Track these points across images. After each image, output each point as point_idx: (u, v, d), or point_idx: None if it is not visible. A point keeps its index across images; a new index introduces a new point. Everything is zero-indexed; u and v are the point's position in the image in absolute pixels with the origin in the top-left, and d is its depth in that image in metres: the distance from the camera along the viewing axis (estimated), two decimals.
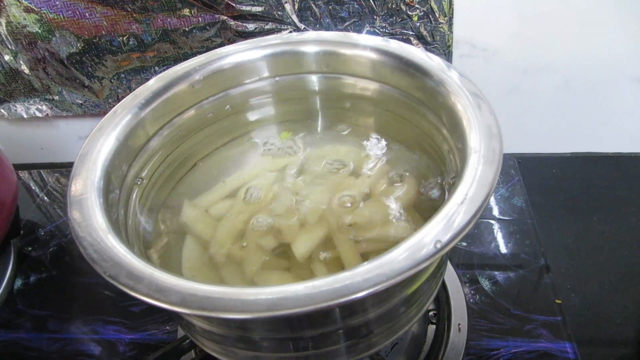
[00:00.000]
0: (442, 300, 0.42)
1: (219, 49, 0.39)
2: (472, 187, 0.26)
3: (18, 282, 0.50)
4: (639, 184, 0.62)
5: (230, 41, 0.62)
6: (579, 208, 0.60)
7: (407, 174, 0.36)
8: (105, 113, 0.68)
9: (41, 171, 0.68)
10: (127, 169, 0.33)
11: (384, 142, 0.38)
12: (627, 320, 0.47)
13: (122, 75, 0.66)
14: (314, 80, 0.40)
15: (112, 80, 0.67)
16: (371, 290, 0.22)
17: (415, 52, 0.35)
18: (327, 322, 0.27)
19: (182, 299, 0.23)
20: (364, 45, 0.37)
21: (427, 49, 0.59)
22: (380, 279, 0.22)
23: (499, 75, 0.61)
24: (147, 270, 0.25)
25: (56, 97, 0.69)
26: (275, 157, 0.39)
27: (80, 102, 0.69)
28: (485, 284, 0.45)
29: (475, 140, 0.29)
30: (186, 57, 0.63)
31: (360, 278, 0.23)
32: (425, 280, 0.31)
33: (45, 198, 0.64)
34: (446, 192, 0.32)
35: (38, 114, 0.71)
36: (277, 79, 0.40)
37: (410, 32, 0.59)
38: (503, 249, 0.49)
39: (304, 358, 0.30)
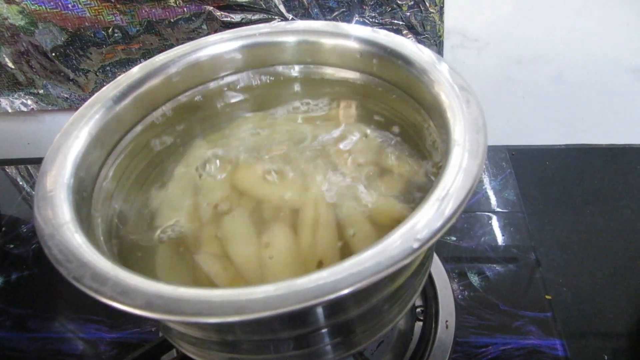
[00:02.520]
0: (430, 296, 0.41)
1: (196, 40, 0.38)
2: (455, 182, 0.25)
3: None
4: (633, 176, 0.61)
5: (217, 32, 0.61)
6: (572, 201, 0.59)
7: (392, 161, 0.35)
8: None
9: (29, 166, 0.66)
10: (100, 164, 0.32)
11: (369, 131, 0.36)
12: (618, 315, 0.46)
13: (108, 68, 0.65)
14: (295, 71, 0.39)
15: (98, 73, 0.65)
16: (345, 291, 0.21)
17: (404, 43, 0.34)
18: (304, 323, 0.27)
19: (147, 301, 0.22)
20: (349, 35, 0.36)
21: (417, 40, 0.58)
22: (355, 279, 0.21)
23: (491, 66, 0.60)
24: (113, 271, 0.23)
25: (41, 91, 0.68)
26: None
27: (65, 95, 0.68)
28: (474, 279, 0.44)
29: (459, 133, 0.28)
30: (172, 48, 0.62)
31: (333, 278, 0.22)
32: (408, 277, 0.30)
33: (32, 192, 0.63)
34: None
35: (23, 108, 0.69)
36: (254, 70, 0.39)
37: (401, 22, 0.57)
38: (493, 243, 0.48)
39: (284, 359, 0.29)
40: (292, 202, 0.33)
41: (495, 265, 0.45)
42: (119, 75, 0.63)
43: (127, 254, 0.32)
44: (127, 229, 0.33)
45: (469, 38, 0.58)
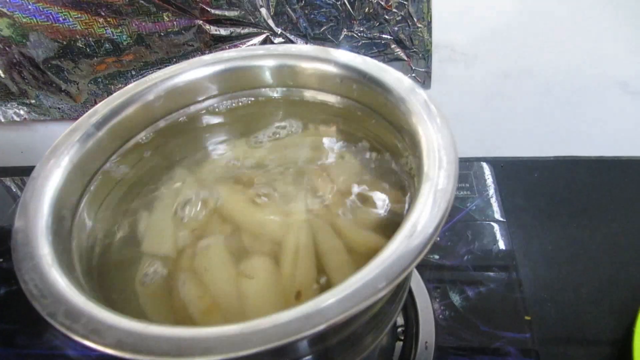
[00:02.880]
0: (411, 316, 0.41)
1: (175, 65, 0.38)
2: (423, 218, 0.25)
3: None
4: (620, 189, 0.61)
5: (207, 45, 0.61)
6: (559, 214, 0.59)
7: (372, 189, 0.35)
8: None
9: (23, 178, 0.67)
10: (80, 194, 0.33)
11: (350, 156, 0.37)
12: (601, 331, 0.47)
13: (99, 80, 0.65)
14: (273, 94, 0.40)
15: (90, 85, 0.66)
16: (307, 333, 0.22)
17: (384, 70, 0.34)
18: (279, 355, 0.27)
19: (117, 340, 0.22)
20: (330, 59, 0.37)
21: (406, 54, 0.59)
22: (316, 322, 0.22)
23: (480, 80, 0.60)
24: (86, 306, 0.24)
25: (33, 101, 0.68)
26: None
27: (58, 106, 0.68)
28: (456, 298, 0.44)
29: (431, 167, 0.28)
30: (163, 61, 0.63)
31: (296, 319, 0.22)
32: (383, 306, 0.30)
33: None
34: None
35: (16, 118, 0.70)
36: (231, 95, 0.40)
37: (389, 37, 0.58)
38: (476, 262, 0.48)
39: None
40: (273, 230, 0.33)
41: (476, 285, 0.45)
42: (111, 87, 0.65)
43: (109, 280, 0.32)
44: (108, 258, 0.33)
45: (457, 52, 0.59)
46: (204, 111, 0.39)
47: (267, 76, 0.38)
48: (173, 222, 0.35)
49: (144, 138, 0.37)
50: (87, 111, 0.67)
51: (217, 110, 0.39)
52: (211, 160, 0.39)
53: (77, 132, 0.34)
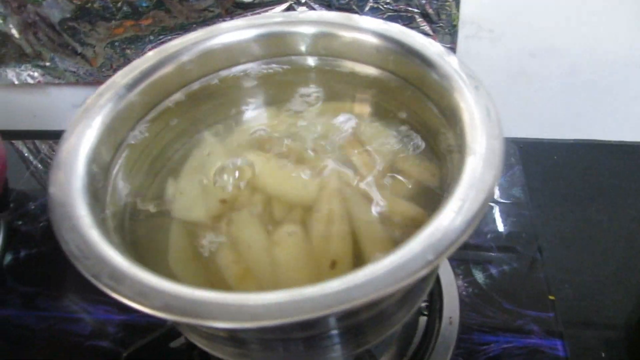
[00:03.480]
0: (435, 292, 0.41)
1: (210, 27, 0.37)
2: (470, 193, 0.25)
3: (8, 258, 0.49)
4: (639, 174, 0.61)
5: (228, 12, 0.60)
6: (577, 197, 0.59)
7: (406, 161, 0.35)
8: (99, 82, 0.67)
9: (35, 141, 0.66)
10: (112, 155, 0.32)
11: (385, 127, 0.36)
12: (618, 314, 0.47)
13: (117, 44, 0.64)
14: (310, 62, 0.39)
15: (106, 49, 0.65)
16: (359, 302, 0.21)
17: (422, 42, 0.33)
18: (314, 327, 0.27)
19: (165, 304, 0.22)
20: (364, 28, 0.36)
21: (432, 28, 0.57)
22: (368, 290, 0.22)
23: (505, 58, 0.59)
24: (130, 270, 0.24)
25: (48, 64, 0.67)
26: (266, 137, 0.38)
27: (73, 69, 0.67)
28: (479, 276, 0.44)
29: (475, 140, 0.27)
30: (182, 27, 0.62)
31: (347, 287, 0.22)
32: (418, 282, 0.30)
33: (39, 166, 0.63)
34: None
35: (30, 81, 0.69)
36: (270, 60, 0.39)
37: (415, 10, 0.56)
38: (499, 241, 0.48)
39: (293, 357, 0.30)
40: (305, 199, 0.33)
41: (500, 264, 0.45)
42: (128, 51, 0.64)
43: (140, 242, 0.32)
44: (139, 220, 0.33)
45: (484, 29, 0.57)
46: (237, 76, 0.38)
47: (304, 43, 0.37)
48: (204, 188, 0.35)
49: (176, 100, 0.36)
50: (103, 75, 0.66)
51: (250, 75, 0.38)
52: (242, 126, 0.38)
53: (109, 93, 0.33)
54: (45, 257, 0.50)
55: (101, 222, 0.27)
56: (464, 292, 0.43)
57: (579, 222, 0.56)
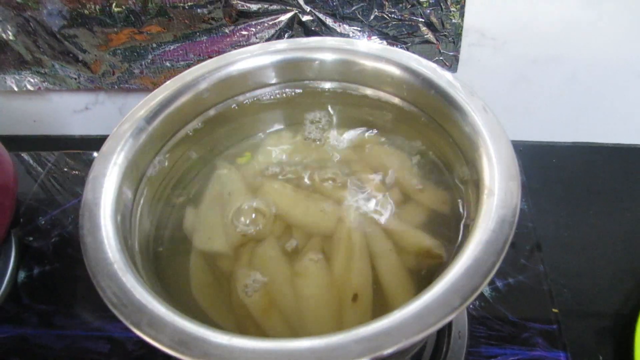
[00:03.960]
0: None
1: (226, 54, 0.38)
2: (490, 235, 0.26)
3: (21, 275, 0.50)
4: (637, 176, 0.63)
5: (232, 20, 0.59)
6: (576, 200, 0.60)
7: (423, 192, 0.36)
8: (100, 88, 0.67)
9: (41, 152, 0.66)
10: (135, 188, 0.33)
11: (404, 157, 0.37)
12: (616, 316, 0.49)
13: (119, 52, 0.64)
14: (324, 88, 0.39)
15: (108, 56, 0.64)
16: (390, 350, 0.23)
17: (438, 74, 0.34)
18: None
19: (204, 353, 0.23)
20: (378, 56, 0.36)
21: (435, 37, 0.58)
22: (398, 339, 0.23)
23: (507, 65, 0.60)
24: (169, 317, 0.25)
25: (48, 71, 0.67)
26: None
27: (74, 76, 0.67)
28: (486, 290, 0.46)
29: (492, 179, 0.28)
30: (186, 36, 0.61)
31: (378, 333, 0.23)
32: None
33: (48, 178, 0.63)
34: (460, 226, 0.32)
35: (30, 87, 0.68)
36: (284, 85, 0.39)
37: (420, 19, 0.57)
38: (503, 254, 0.49)
39: None
40: (326, 230, 0.34)
41: (505, 277, 0.47)
42: (130, 59, 0.64)
43: (164, 272, 0.33)
44: (162, 251, 0.34)
45: (487, 37, 0.58)
46: (253, 101, 0.38)
47: (318, 69, 0.37)
48: (224, 216, 0.36)
49: (193, 128, 0.37)
50: (105, 82, 0.66)
51: (265, 101, 0.39)
52: (259, 153, 0.39)
53: (129, 126, 0.34)
54: (59, 274, 0.50)
55: (132, 260, 0.28)
56: (471, 306, 0.45)
57: (577, 226, 0.58)
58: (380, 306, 0.31)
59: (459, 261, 0.26)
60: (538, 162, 0.65)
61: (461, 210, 0.33)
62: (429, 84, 0.34)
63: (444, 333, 0.42)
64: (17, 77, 0.67)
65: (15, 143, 0.70)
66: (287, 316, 0.31)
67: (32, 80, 0.68)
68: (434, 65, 0.34)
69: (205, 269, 0.34)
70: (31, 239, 0.53)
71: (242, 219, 0.34)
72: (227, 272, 0.33)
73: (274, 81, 0.39)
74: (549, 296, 0.46)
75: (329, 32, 0.58)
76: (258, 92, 0.39)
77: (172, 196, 0.37)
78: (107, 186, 0.31)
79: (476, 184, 0.30)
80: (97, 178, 0.31)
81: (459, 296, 0.24)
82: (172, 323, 0.24)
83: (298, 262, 0.33)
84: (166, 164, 0.36)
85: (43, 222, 0.55)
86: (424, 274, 0.32)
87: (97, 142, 0.32)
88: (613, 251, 0.55)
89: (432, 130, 0.36)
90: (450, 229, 0.32)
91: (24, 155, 0.66)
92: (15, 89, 0.69)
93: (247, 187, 0.37)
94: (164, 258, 0.34)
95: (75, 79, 0.67)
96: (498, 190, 0.28)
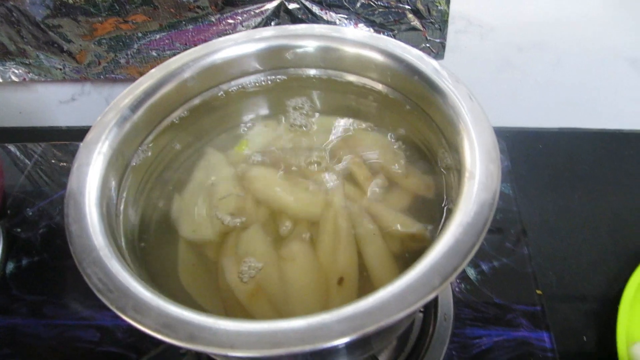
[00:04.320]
0: None
1: (210, 42, 0.38)
2: (470, 217, 0.27)
3: (10, 266, 0.50)
4: (621, 161, 0.63)
5: (219, 9, 0.59)
6: (562, 185, 0.61)
7: (407, 176, 0.36)
8: (86, 79, 0.66)
9: (27, 144, 0.66)
10: (120, 177, 0.33)
11: (386, 141, 0.38)
12: (600, 299, 0.50)
13: (104, 41, 0.63)
14: (309, 75, 0.39)
15: (93, 45, 0.64)
16: (373, 328, 0.23)
17: (425, 62, 0.34)
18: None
19: (189, 335, 0.24)
20: (365, 43, 0.36)
21: (422, 23, 0.58)
22: (380, 317, 0.23)
23: (493, 52, 0.61)
24: (154, 301, 0.25)
25: (33, 61, 0.66)
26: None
27: (59, 67, 0.66)
28: (471, 272, 0.47)
29: (473, 164, 0.29)
30: (171, 25, 0.61)
31: (360, 313, 0.24)
32: None
33: (34, 170, 0.62)
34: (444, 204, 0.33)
35: (14, 79, 0.68)
36: (268, 73, 0.39)
37: (407, 6, 0.57)
38: (488, 237, 0.50)
39: None
40: (311, 215, 0.34)
41: (490, 260, 0.48)
42: (116, 49, 0.63)
43: (150, 259, 0.33)
44: (149, 238, 0.34)
45: (473, 24, 0.58)
46: (238, 89, 0.39)
47: (303, 57, 0.38)
48: (209, 205, 0.36)
49: (178, 117, 0.37)
50: (91, 72, 0.66)
51: (250, 88, 0.39)
52: (244, 139, 0.39)
53: (113, 115, 0.34)
54: (48, 264, 0.50)
55: (118, 249, 0.28)
56: (457, 289, 0.45)
57: (563, 211, 0.59)
58: (366, 289, 0.31)
59: (440, 242, 0.26)
60: (524, 147, 0.65)
61: (444, 194, 0.33)
62: (413, 71, 0.34)
63: (430, 315, 0.42)
64: (1, 68, 0.67)
65: (1, 135, 0.70)
66: (274, 300, 0.32)
67: (16, 71, 0.67)
68: (420, 52, 0.34)
69: (191, 256, 0.35)
70: (19, 230, 0.53)
71: (227, 207, 0.35)
72: (213, 258, 0.34)
73: (258, 69, 0.39)
74: (533, 278, 0.47)
75: (316, 19, 0.58)
76: (243, 80, 0.39)
77: (158, 184, 0.37)
78: (91, 175, 0.31)
79: (458, 168, 0.30)
80: (82, 167, 0.31)
81: (439, 276, 0.25)
82: (157, 307, 0.25)
83: (284, 247, 0.33)
84: (151, 152, 0.36)
85: (31, 214, 0.54)
86: (408, 257, 0.32)
87: (84, 133, 0.32)
88: (597, 235, 0.56)
89: (416, 116, 0.36)
90: (433, 212, 0.33)
91: (10, 147, 0.65)
92: (0, 80, 0.68)
93: (232, 175, 0.37)
94: (149, 245, 0.34)
95: (61, 69, 0.67)
96: (479, 173, 0.28)
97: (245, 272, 0.32)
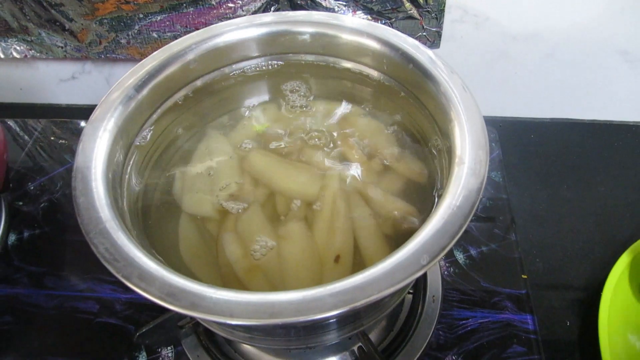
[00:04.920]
0: None
1: (213, 26, 0.38)
2: (458, 201, 0.28)
3: (12, 238, 0.51)
4: (610, 151, 0.65)
5: None
6: (551, 175, 0.63)
7: (400, 161, 0.38)
8: (87, 58, 0.67)
9: (28, 120, 0.66)
10: (125, 155, 0.34)
11: (381, 125, 0.39)
12: (584, 286, 0.52)
13: (105, 21, 0.64)
14: (308, 61, 0.41)
15: (95, 25, 0.64)
16: (362, 302, 0.25)
17: (420, 51, 0.35)
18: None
19: (191, 303, 0.25)
20: (363, 31, 0.37)
21: (419, 12, 0.59)
22: (370, 292, 0.25)
23: (488, 42, 0.62)
24: (158, 271, 0.26)
25: (34, 39, 0.66)
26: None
27: (60, 45, 0.67)
28: (460, 257, 0.48)
29: (463, 149, 0.30)
30: (172, 7, 0.62)
31: (352, 287, 0.25)
32: None
33: (36, 146, 0.63)
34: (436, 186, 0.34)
35: (16, 55, 0.68)
36: (269, 57, 0.40)
37: None
38: (479, 223, 0.52)
39: (293, 339, 0.33)
40: (308, 194, 0.36)
41: (479, 245, 0.49)
42: (117, 29, 0.64)
43: (152, 233, 0.34)
44: (152, 212, 0.35)
45: (469, 13, 0.59)
46: (239, 73, 0.40)
47: (302, 43, 0.39)
48: (210, 184, 0.37)
49: (181, 97, 0.38)
50: (92, 52, 0.66)
51: (251, 72, 0.40)
52: (244, 121, 0.40)
53: (118, 94, 0.35)
54: (49, 237, 0.51)
55: (123, 222, 0.30)
56: (445, 272, 0.47)
57: (552, 200, 0.60)
58: (360, 267, 0.33)
59: (429, 224, 0.28)
60: (516, 137, 0.67)
61: (435, 178, 0.35)
62: (409, 60, 0.35)
63: (419, 297, 0.44)
64: (3, 44, 0.67)
65: (2, 110, 0.71)
66: (271, 277, 0.33)
67: (18, 47, 0.68)
68: (416, 42, 0.35)
69: (193, 233, 0.36)
70: (21, 203, 0.54)
71: (227, 189, 0.36)
72: (214, 234, 0.35)
73: (259, 53, 0.40)
74: (520, 264, 0.49)
75: (315, 6, 0.59)
76: (244, 64, 0.40)
77: (161, 161, 0.38)
78: (97, 150, 0.32)
79: (449, 153, 0.32)
80: (88, 142, 0.32)
81: (427, 255, 0.26)
82: (162, 277, 0.26)
83: (282, 226, 0.35)
84: (154, 131, 0.37)
85: (32, 188, 0.56)
86: (401, 238, 0.34)
87: (83, 111, 0.33)
88: (585, 224, 0.58)
89: (410, 103, 0.37)
90: (424, 196, 0.34)
91: (10, 122, 0.66)
92: (2, 55, 0.68)
93: (233, 156, 0.38)
94: (153, 220, 0.36)
95: (62, 47, 0.67)
96: (468, 159, 0.30)
97: (258, 250, 0.33)
